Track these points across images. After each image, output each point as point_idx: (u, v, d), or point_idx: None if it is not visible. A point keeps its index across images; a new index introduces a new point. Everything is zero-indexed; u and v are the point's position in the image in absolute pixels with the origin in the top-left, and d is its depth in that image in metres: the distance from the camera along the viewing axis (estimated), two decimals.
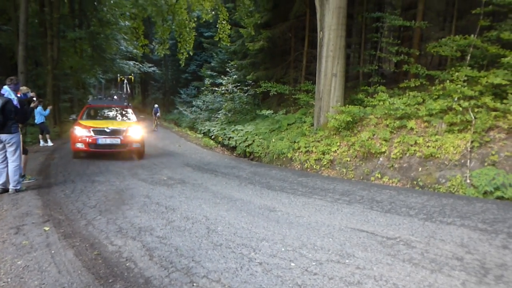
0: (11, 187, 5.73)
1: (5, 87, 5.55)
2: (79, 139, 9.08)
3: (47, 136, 13.45)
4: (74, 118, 10.49)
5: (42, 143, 13.19)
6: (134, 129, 9.70)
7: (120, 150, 9.55)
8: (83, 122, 9.61)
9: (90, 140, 9.09)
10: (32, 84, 19.55)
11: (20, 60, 13.96)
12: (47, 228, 4.07)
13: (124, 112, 11.46)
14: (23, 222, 4.30)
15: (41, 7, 19.02)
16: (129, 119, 10.91)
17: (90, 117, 10.60)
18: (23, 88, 6.81)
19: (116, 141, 9.29)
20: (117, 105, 12.11)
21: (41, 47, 19.64)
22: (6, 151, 5.70)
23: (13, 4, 16.74)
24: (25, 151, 6.34)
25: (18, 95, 5.77)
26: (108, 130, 9.28)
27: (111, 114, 11.45)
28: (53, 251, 3.43)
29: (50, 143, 13.27)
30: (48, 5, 17.87)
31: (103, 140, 9.19)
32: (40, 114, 12.81)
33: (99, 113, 11.25)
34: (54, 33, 17.84)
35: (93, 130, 9.16)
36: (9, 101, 5.42)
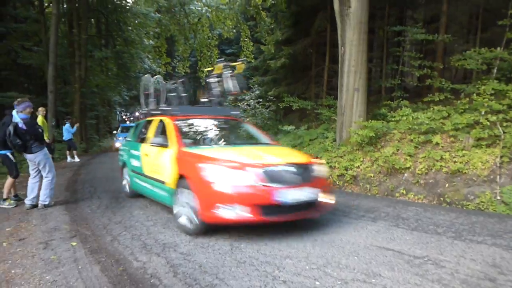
0: (40, 201, 5.92)
1: (13, 111, 5.71)
2: (232, 195, 4.10)
3: (74, 152, 13.85)
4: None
5: (69, 159, 13.59)
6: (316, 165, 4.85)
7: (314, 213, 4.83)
8: (201, 152, 4.84)
9: (263, 196, 4.11)
10: (61, 102, 20.32)
11: (50, 79, 14.53)
12: (74, 243, 4.16)
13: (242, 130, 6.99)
14: (52, 237, 4.41)
15: (70, 29, 19.89)
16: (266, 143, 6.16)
17: (197, 141, 5.81)
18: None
19: (312, 196, 4.42)
20: (226, 117, 7.61)
21: (69, 66, 20.43)
22: (38, 169, 5.97)
23: (44, 27, 17.56)
24: (14, 174, 6.17)
25: (24, 116, 5.72)
26: (292, 169, 4.45)
27: (225, 133, 6.67)
28: (80, 267, 3.49)
29: (77, 159, 13.65)
30: (76, 27, 18.66)
31: (291, 193, 4.23)
32: (67, 131, 13.25)
33: (208, 134, 6.33)
34: (82, 53, 18.54)
35: (264, 173, 4.19)
36: (16, 124, 5.59)
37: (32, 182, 5.95)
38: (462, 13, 12.70)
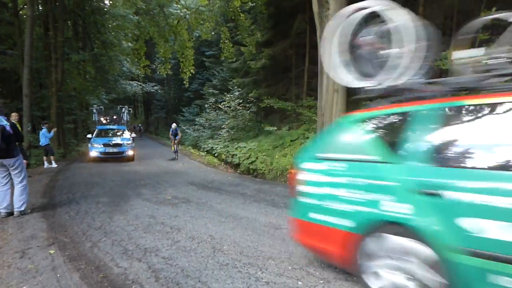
0: (16, 209, 5.74)
1: None
2: None
3: (52, 157, 13.51)
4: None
5: (46, 164, 13.25)
6: None
7: None
8: None
9: None
10: (37, 107, 19.82)
11: (25, 83, 14.14)
12: (52, 251, 4.06)
13: None
14: (28, 245, 4.29)
15: (45, 31, 19.40)
16: None
17: None
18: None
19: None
20: None
21: (45, 69, 19.94)
22: (8, 175, 5.73)
23: (18, 29, 17.09)
24: None
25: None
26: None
27: None
28: (58, 275, 3.41)
29: (54, 165, 13.33)
30: (52, 29, 18.21)
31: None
32: (44, 136, 12.92)
33: None
34: (58, 56, 18.11)
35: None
36: (3, 128, 5.45)
37: (3, 189, 5.74)
38: (437, 15, 13.01)
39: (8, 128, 5.46)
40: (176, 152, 16.34)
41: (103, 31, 22.53)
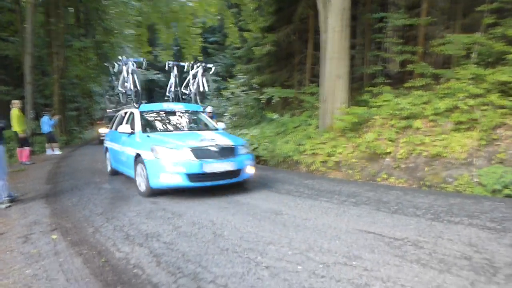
0: None
1: None
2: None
3: (55, 144, 13.59)
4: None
5: (49, 151, 13.34)
6: None
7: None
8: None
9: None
10: (40, 94, 19.83)
11: (27, 70, 14.15)
12: (54, 237, 4.10)
13: None
14: (31, 231, 4.34)
15: (47, 18, 19.29)
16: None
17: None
18: None
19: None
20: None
21: (47, 56, 19.89)
22: None
23: (20, 16, 17.02)
24: None
25: None
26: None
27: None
28: (61, 259, 3.45)
29: (57, 152, 13.41)
30: (54, 16, 18.11)
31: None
32: (46, 124, 12.96)
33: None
34: (60, 43, 18.06)
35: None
36: None
37: None
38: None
39: None
40: None
41: (104, 17, 22.39)
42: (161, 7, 19.89)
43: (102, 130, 16.26)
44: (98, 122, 20.26)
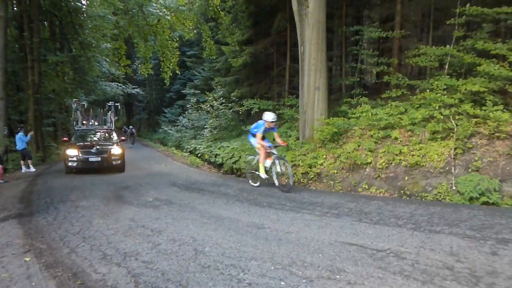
0: None
1: None
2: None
3: (29, 162, 13.17)
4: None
5: (24, 169, 12.90)
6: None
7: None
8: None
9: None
10: (14, 110, 19.27)
11: (0, 86, 13.71)
12: (27, 259, 3.92)
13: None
14: (3, 253, 4.13)
15: (20, 32, 18.87)
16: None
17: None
18: None
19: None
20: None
21: (22, 71, 19.41)
22: None
23: None
24: None
25: None
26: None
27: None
28: (33, 283, 3.29)
29: (32, 169, 12.99)
30: (27, 30, 17.74)
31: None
32: (21, 140, 12.56)
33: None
34: (34, 57, 17.65)
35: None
36: None
37: None
38: (415, 12, 13.21)
39: None
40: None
41: (81, 31, 22.04)
42: (138, 21, 19.76)
43: (71, 152, 11.60)
44: (64, 139, 14.80)
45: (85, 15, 22.92)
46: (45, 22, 22.76)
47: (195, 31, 21.22)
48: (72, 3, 21.64)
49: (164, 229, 4.87)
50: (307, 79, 9.63)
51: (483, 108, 6.87)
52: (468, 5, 7.95)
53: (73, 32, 21.95)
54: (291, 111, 12.08)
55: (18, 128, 13.52)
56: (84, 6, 23.40)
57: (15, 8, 19.17)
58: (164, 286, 3.08)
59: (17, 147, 12.91)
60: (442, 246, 3.75)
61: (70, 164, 11.57)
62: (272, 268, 3.39)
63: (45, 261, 3.86)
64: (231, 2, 17.70)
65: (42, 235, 4.88)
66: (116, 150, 12.18)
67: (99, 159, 11.73)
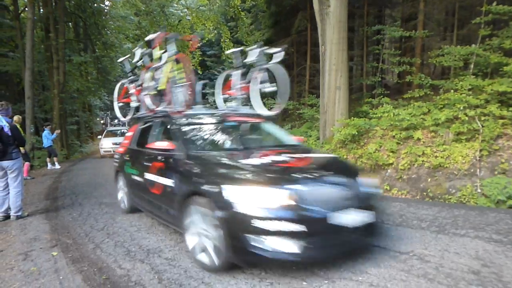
0: (12, 213, 5.69)
1: None
2: None
3: (55, 159, 13.55)
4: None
5: (49, 166, 13.29)
6: None
7: None
8: None
9: None
10: (40, 109, 19.87)
11: (27, 85, 14.18)
12: (55, 253, 4.04)
13: None
14: (31, 247, 4.28)
15: (46, 33, 19.42)
16: None
17: None
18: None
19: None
20: None
21: (47, 71, 19.98)
22: (7, 178, 5.67)
23: (20, 32, 17.13)
24: None
25: (9, 120, 5.65)
26: None
27: None
28: (61, 277, 3.39)
29: (57, 166, 13.36)
30: (53, 31, 18.23)
31: None
32: (47, 138, 12.95)
33: None
34: (60, 57, 18.13)
35: None
36: (1, 128, 5.40)
37: (2, 194, 5.68)
38: (439, 10, 12.93)
39: (6, 129, 5.42)
40: None
41: (104, 32, 22.54)
42: (160, 22, 20.06)
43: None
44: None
45: (108, 16, 23.40)
46: (70, 24, 23.35)
47: (215, 31, 21.41)
48: (96, 4, 22.13)
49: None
50: (327, 79, 9.57)
51: (510, 109, 6.68)
52: (494, 3, 7.75)
53: (96, 33, 22.48)
54: (311, 110, 12.02)
55: (44, 126, 13.93)
56: (107, 8, 23.88)
57: (41, 10, 19.74)
58: (187, 283, 3.13)
59: (43, 145, 13.32)
60: (467, 250, 3.67)
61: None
62: (294, 267, 3.39)
63: (72, 255, 3.98)
64: (251, 2, 17.73)
65: (68, 230, 5.03)
66: None
67: None
